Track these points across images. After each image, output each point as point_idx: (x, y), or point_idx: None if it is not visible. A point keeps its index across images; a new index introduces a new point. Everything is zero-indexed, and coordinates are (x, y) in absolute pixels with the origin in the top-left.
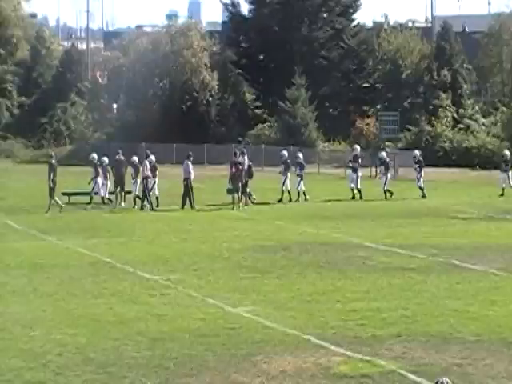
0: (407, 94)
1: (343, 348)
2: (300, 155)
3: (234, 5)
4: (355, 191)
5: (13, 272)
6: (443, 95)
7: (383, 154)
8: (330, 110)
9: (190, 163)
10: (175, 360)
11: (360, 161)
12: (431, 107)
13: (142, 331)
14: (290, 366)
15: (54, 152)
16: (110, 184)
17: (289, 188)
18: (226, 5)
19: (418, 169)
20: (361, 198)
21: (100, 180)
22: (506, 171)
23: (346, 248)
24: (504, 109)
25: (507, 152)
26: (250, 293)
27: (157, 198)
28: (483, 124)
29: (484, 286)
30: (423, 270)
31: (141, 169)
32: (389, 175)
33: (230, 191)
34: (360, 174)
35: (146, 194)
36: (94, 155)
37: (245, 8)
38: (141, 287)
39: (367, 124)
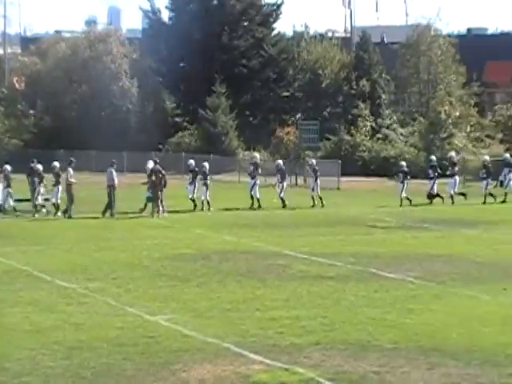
0: (327, 103)
1: (262, 356)
2: (205, 164)
3: (155, 12)
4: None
5: None
6: (362, 105)
7: (279, 161)
8: (251, 119)
9: (113, 170)
10: (93, 369)
11: (259, 170)
12: (350, 117)
13: (60, 340)
14: (209, 375)
15: None
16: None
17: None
18: (146, 12)
19: (314, 177)
20: (259, 206)
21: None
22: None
23: (265, 256)
24: (421, 119)
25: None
26: (170, 301)
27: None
28: (401, 134)
29: (401, 294)
30: (342, 278)
31: (63, 176)
32: (285, 183)
33: (149, 199)
34: (258, 182)
35: (72, 200)
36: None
37: (165, 15)
38: (58, 296)
39: (287, 133)
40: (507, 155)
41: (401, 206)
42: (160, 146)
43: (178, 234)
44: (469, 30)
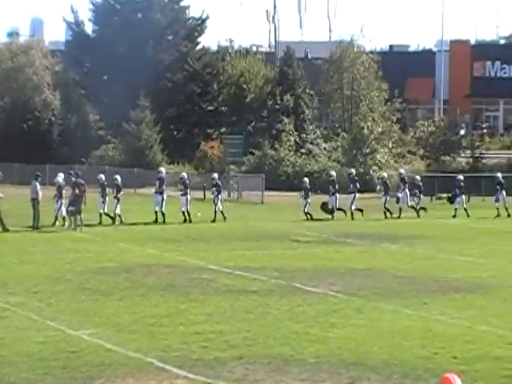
0: (251, 117)
1: (186, 371)
2: (117, 177)
3: (78, 24)
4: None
5: None
6: (286, 120)
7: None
8: (175, 133)
9: (37, 184)
10: None
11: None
12: (274, 131)
13: None
14: None
15: None
16: None
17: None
18: (69, 24)
19: (216, 193)
20: (164, 221)
21: None
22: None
23: (189, 270)
24: (344, 134)
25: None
26: (92, 315)
27: None
28: (325, 148)
29: (324, 308)
30: (265, 292)
31: None
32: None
33: (72, 213)
34: (165, 197)
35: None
36: None
37: (89, 28)
38: None
39: (212, 147)
40: (402, 171)
41: (307, 220)
42: (83, 159)
43: (101, 248)
44: (391, 46)
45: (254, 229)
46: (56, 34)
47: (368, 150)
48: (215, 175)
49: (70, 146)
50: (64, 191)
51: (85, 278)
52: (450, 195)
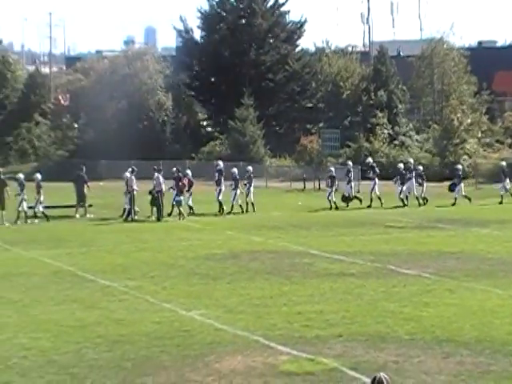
0: (347, 113)
1: (289, 347)
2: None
3: (187, 31)
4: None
5: None
6: (380, 114)
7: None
8: (277, 129)
9: (160, 176)
10: (133, 361)
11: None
12: (369, 125)
13: (102, 334)
14: (240, 365)
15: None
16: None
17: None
18: (179, 31)
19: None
20: (222, 211)
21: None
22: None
23: (291, 255)
24: (435, 126)
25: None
26: (203, 298)
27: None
28: (417, 140)
29: (417, 288)
30: (362, 275)
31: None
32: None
33: (179, 203)
34: (223, 188)
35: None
36: (38, 175)
37: (197, 34)
38: (101, 294)
39: (310, 141)
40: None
41: (330, 209)
42: (193, 155)
43: (210, 236)
44: (479, 42)
45: (350, 216)
46: (167, 40)
47: (458, 141)
48: (249, 168)
49: (181, 143)
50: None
51: (196, 264)
52: (450, 183)
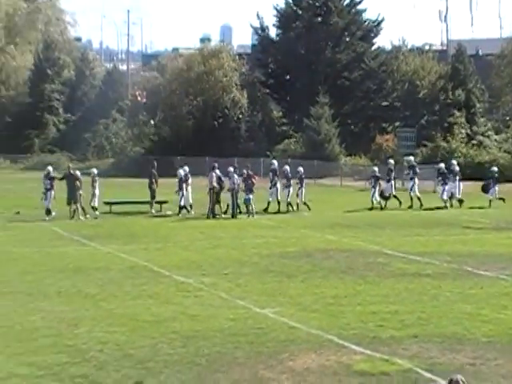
0: (424, 112)
1: (363, 347)
2: (300, 169)
3: (263, 29)
4: None
5: (59, 274)
6: (458, 113)
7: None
8: (352, 127)
9: (235, 175)
10: (207, 357)
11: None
12: (446, 124)
13: (177, 330)
14: (314, 364)
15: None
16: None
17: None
18: (255, 29)
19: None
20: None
21: (97, 191)
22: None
23: (366, 255)
24: None
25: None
26: (277, 295)
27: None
28: (495, 140)
29: (495, 291)
30: (438, 275)
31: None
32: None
33: (247, 200)
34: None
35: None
36: (50, 168)
37: (273, 32)
38: (176, 289)
39: (386, 140)
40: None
41: (371, 209)
42: (267, 153)
43: (284, 234)
44: None
45: (426, 216)
46: (243, 38)
47: None
48: (300, 169)
49: (255, 140)
50: (184, 184)
51: (270, 261)
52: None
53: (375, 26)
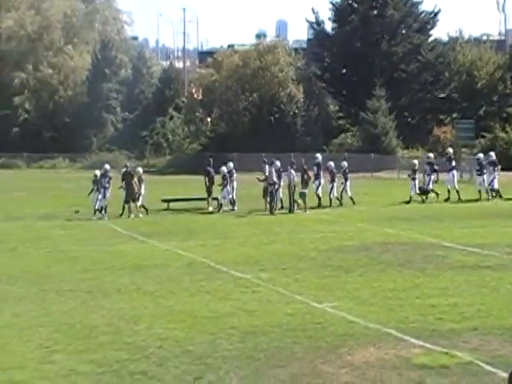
0: (482, 102)
1: (422, 340)
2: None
3: (319, 23)
4: None
5: (118, 272)
6: None
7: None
8: (409, 120)
9: (293, 171)
10: (266, 352)
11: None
12: (505, 115)
13: (235, 326)
14: (373, 358)
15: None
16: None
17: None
18: (311, 23)
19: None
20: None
21: (142, 190)
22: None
23: (424, 247)
24: None
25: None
26: (335, 290)
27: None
28: None
29: None
30: (498, 267)
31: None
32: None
33: (302, 195)
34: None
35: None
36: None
37: (328, 26)
38: (234, 285)
39: (444, 132)
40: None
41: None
42: (324, 147)
43: (342, 228)
44: None
45: (485, 207)
46: (299, 33)
47: None
48: (344, 163)
49: (312, 135)
50: (227, 180)
51: (327, 256)
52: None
53: (432, 18)
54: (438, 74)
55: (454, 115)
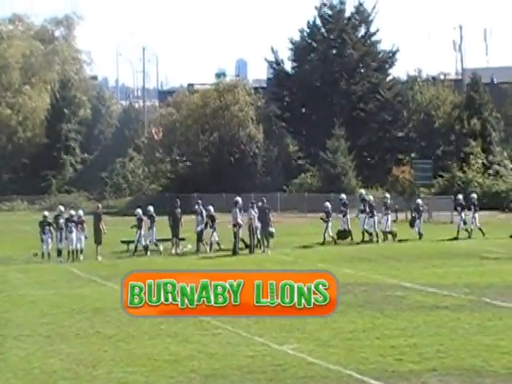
0: (439, 142)
1: (382, 382)
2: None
3: (278, 62)
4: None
5: (77, 316)
6: (473, 143)
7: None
8: (368, 159)
9: (237, 210)
10: None
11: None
12: (462, 154)
13: (195, 369)
14: None
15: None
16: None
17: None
18: (270, 63)
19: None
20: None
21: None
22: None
23: (383, 288)
24: None
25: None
26: (295, 331)
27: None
28: (511, 169)
29: None
30: (456, 307)
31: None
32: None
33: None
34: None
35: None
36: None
37: (288, 65)
38: (194, 328)
39: (402, 171)
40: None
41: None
42: (284, 187)
43: (302, 268)
44: None
45: (444, 247)
46: (258, 73)
47: None
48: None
49: (272, 175)
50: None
51: None
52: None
53: (390, 57)
54: (397, 113)
55: (413, 155)
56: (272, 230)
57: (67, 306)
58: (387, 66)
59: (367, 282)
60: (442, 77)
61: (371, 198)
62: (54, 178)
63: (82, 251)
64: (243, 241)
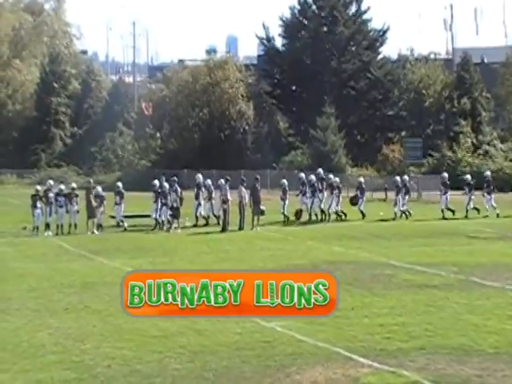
0: (430, 121)
1: (370, 360)
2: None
3: (269, 39)
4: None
5: (66, 290)
6: (463, 122)
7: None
8: (358, 138)
9: (243, 188)
10: (214, 371)
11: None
12: (452, 134)
13: (184, 345)
14: (321, 377)
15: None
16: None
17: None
18: (261, 39)
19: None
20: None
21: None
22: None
23: (372, 266)
24: None
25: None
26: None
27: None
28: (501, 149)
29: (502, 301)
30: (445, 287)
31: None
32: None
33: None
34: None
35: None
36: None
37: (279, 42)
38: None
39: (392, 150)
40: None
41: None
42: (274, 164)
43: (291, 246)
44: None
45: (433, 226)
46: (249, 49)
47: None
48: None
49: (261, 152)
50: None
51: None
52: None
53: (381, 36)
54: (387, 91)
55: (403, 133)
56: (263, 207)
57: (56, 281)
58: (378, 45)
59: (356, 261)
60: (432, 56)
61: (313, 177)
62: (44, 151)
63: (76, 226)
64: (217, 217)
